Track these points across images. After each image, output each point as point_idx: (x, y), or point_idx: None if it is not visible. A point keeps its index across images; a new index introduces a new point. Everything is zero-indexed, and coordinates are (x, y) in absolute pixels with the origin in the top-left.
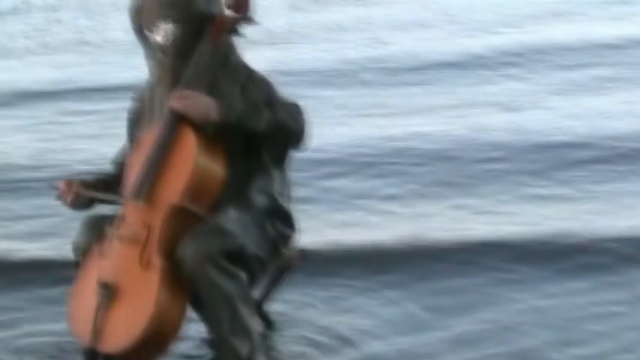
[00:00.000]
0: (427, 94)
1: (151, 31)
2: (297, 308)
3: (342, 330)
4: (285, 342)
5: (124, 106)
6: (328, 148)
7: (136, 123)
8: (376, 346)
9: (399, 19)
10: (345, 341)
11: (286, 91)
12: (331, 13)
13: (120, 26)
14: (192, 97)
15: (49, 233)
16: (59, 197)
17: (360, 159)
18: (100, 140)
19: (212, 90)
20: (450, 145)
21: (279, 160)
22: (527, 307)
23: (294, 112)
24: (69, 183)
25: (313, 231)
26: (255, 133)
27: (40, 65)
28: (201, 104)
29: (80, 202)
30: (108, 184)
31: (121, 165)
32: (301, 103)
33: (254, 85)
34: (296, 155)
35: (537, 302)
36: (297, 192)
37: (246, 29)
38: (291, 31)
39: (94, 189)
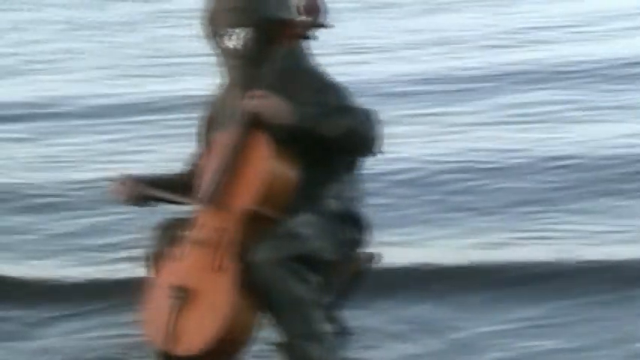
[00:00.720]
0: (497, 105)
1: (223, 36)
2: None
3: (423, 319)
4: (364, 332)
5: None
6: (402, 156)
7: (208, 128)
8: (459, 334)
9: (470, 28)
10: (428, 330)
11: (358, 98)
12: (405, 23)
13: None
14: (266, 97)
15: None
16: (115, 192)
17: (432, 166)
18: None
19: (285, 95)
20: (519, 156)
21: (351, 165)
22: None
23: (367, 118)
24: (126, 179)
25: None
26: (329, 138)
27: (116, 80)
28: (275, 105)
29: (135, 199)
30: (170, 183)
31: (190, 168)
32: (374, 110)
33: (327, 91)
34: (369, 160)
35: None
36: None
37: (318, 34)
38: (367, 38)
39: (152, 187)
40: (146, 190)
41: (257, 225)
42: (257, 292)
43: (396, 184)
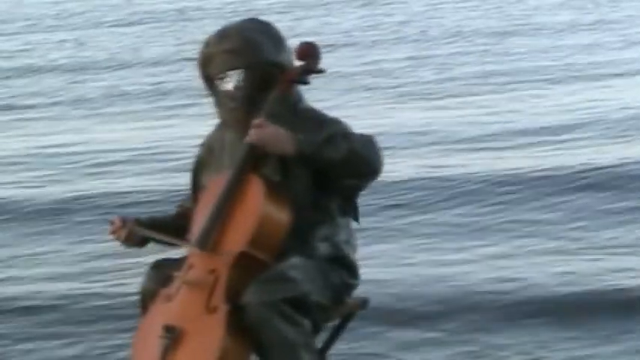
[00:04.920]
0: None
1: (221, 79)
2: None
3: None
4: None
5: None
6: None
7: (201, 170)
8: None
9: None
10: None
11: None
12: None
13: None
14: (265, 126)
15: None
16: (112, 233)
17: None
18: None
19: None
20: None
21: (345, 208)
22: None
23: (368, 142)
24: (123, 220)
25: None
26: (330, 162)
27: None
28: (275, 133)
29: (133, 240)
30: (165, 225)
31: (183, 210)
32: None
33: (326, 123)
34: None
35: None
36: None
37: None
38: None
39: (149, 228)
40: (144, 232)
41: (248, 267)
42: (248, 335)
43: None
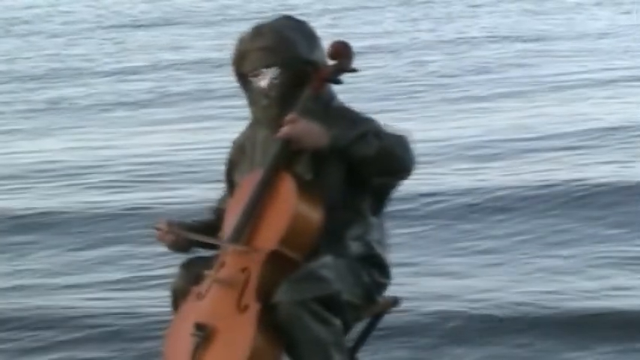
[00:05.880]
0: None
1: (255, 76)
2: None
3: None
4: None
5: None
6: None
7: (234, 168)
8: None
9: None
10: None
11: None
12: None
13: None
14: (298, 121)
15: None
16: (159, 238)
17: None
18: None
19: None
20: None
21: (377, 207)
22: None
23: (400, 140)
24: (169, 224)
25: None
26: (363, 158)
27: None
28: (307, 128)
29: (180, 244)
30: (207, 228)
31: (219, 212)
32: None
33: (360, 121)
34: None
35: None
36: None
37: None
38: None
39: (195, 232)
40: (190, 236)
41: (281, 266)
42: (278, 333)
43: None
